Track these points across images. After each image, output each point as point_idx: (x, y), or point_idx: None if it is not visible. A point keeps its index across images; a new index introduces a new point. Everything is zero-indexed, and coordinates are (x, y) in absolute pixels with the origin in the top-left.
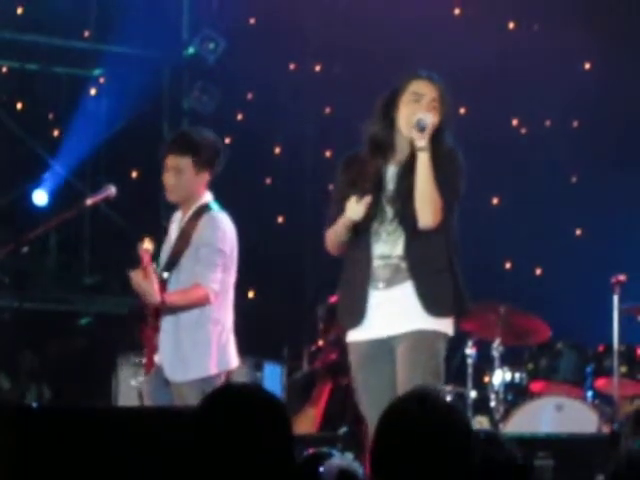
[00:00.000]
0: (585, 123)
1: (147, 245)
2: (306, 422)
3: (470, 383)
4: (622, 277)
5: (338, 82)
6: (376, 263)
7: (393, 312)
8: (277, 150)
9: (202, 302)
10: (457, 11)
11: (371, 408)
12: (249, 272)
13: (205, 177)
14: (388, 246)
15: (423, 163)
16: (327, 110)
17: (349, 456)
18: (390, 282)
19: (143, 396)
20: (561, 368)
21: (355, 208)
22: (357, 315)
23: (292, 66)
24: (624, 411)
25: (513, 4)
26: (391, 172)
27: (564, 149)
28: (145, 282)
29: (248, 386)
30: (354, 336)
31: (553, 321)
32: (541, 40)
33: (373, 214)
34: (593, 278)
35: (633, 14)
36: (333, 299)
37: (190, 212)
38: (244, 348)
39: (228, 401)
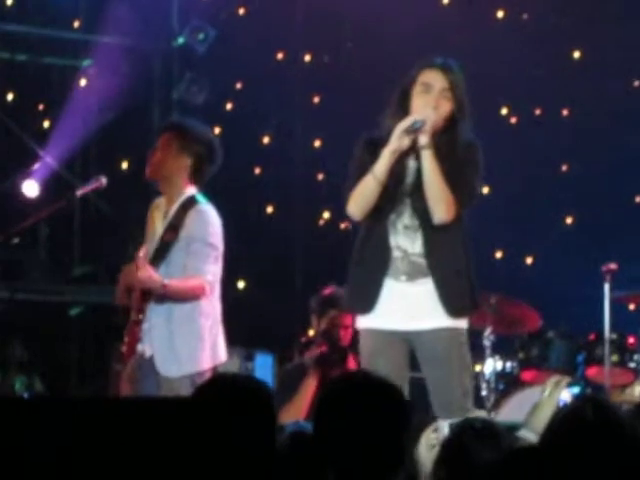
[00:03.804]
0: (575, 112)
1: (143, 252)
2: (294, 412)
3: None
4: (613, 266)
5: (327, 72)
6: (395, 254)
7: (415, 307)
8: (266, 140)
9: (198, 293)
10: (446, 0)
11: None
12: (239, 262)
13: (185, 162)
14: (408, 241)
15: (426, 161)
16: (316, 100)
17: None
18: (411, 276)
19: (122, 380)
20: (552, 357)
21: (402, 133)
22: (370, 301)
23: (281, 55)
24: (615, 400)
25: None
26: (411, 165)
27: (554, 138)
28: (143, 270)
29: (237, 376)
30: (369, 323)
31: (544, 310)
32: (530, 28)
33: (391, 206)
34: (584, 267)
35: (622, 2)
36: (326, 291)
37: (176, 204)
38: (235, 338)
39: (218, 391)
